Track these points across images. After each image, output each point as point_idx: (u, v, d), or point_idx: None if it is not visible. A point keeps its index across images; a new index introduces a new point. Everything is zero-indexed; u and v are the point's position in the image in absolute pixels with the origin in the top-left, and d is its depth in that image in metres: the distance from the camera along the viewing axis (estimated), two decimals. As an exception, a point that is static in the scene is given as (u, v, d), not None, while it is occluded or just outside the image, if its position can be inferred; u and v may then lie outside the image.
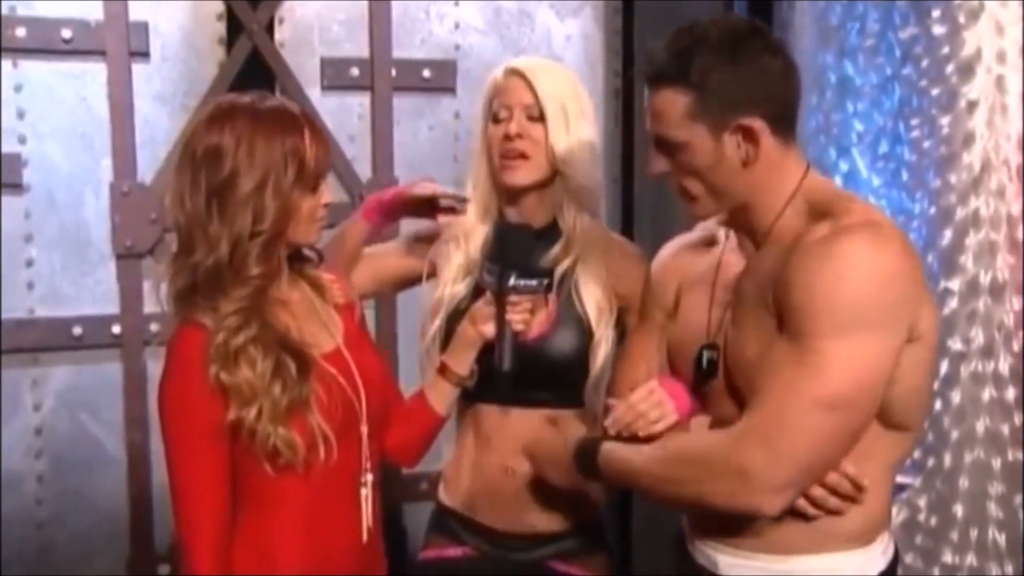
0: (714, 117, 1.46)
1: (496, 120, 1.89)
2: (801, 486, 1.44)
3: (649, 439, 1.58)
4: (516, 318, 1.73)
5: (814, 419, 1.39)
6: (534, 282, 1.73)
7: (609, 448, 1.58)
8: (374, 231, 2.05)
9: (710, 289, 1.62)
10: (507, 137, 1.86)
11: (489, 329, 1.74)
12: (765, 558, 1.53)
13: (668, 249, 1.79)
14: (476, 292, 1.88)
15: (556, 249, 1.91)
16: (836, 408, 1.39)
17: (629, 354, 1.79)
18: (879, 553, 1.55)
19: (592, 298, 1.89)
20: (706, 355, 1.57)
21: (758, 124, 1.46)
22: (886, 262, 1.41)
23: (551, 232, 1.93)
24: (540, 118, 1.87)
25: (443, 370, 1.78)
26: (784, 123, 1.51)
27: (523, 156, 1.87)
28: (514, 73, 1.89)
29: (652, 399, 1.60)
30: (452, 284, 1.93)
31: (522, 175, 1.88)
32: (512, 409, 1.91)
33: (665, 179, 1.56)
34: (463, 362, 1.78)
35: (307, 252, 1.69)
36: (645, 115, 1.55)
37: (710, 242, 1.70)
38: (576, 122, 1.89)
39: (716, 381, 1.58)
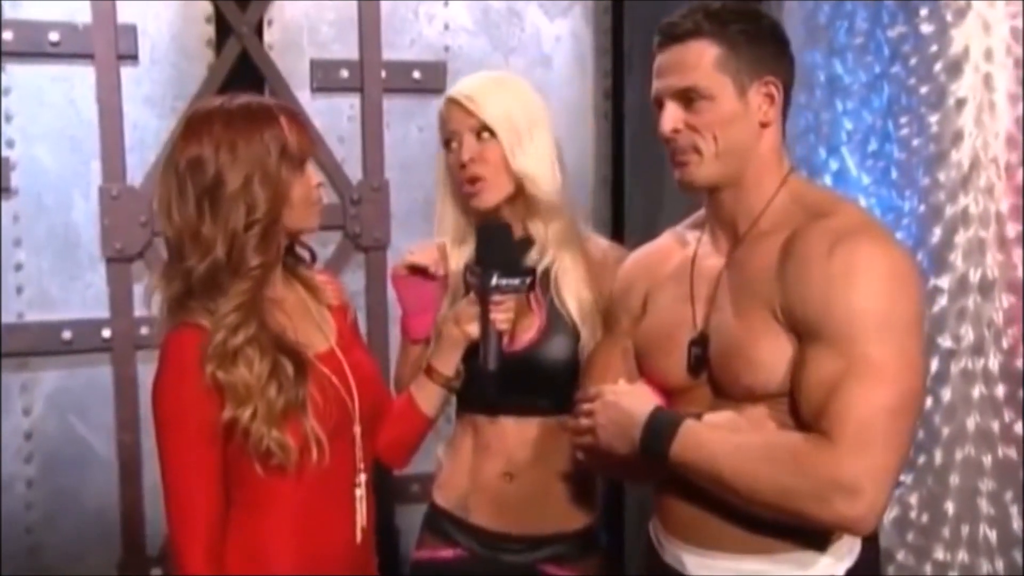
0: (742, 73, 1.52)
1: (448, 147, 1.90)
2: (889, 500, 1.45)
3: None
4: (500, 317, 1.73)
5: (896, 425, 1.40)
6: (516, 281, 1.73)
7: (691, 427, 1.49)
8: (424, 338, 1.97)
9: (688, 284, 1.62)
10: (461, 165, 1.86)
11: (473, 329, 1.75)
12: (732, 557, 1.53)
13: (633, 256, 1.80)
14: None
15: (533, 253, 1.91)
16: (909, 410, 1.43)
17: (595, 364, 1.78)
18: (846, 551, 1.55)
19: (572, 296, 1.90)
20: (694, 351, 1.58)
21: (779, 91, 1.54)
22: (903, 260, 1.47)
23: (527, 240, 1.93)
24: (492, 136, 1.86)
25: (429, 371, 1.79)
26: (785, 103, 1.57)
27: (481, 179, 1.86)
28: (451, 102, 1.88)
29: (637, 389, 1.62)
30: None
31: (488, 197, 1.87)
32: (511, 417, 1.91)
33: (666, 142, 1.57)
34: (448, 363, 1.78)
35: (301, 252, 1.70)
36: (660, 73, 1.57)
37: (681, 244, 1.70)
38: (529, 133, 1.87)
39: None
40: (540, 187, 1.87)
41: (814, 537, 1.51)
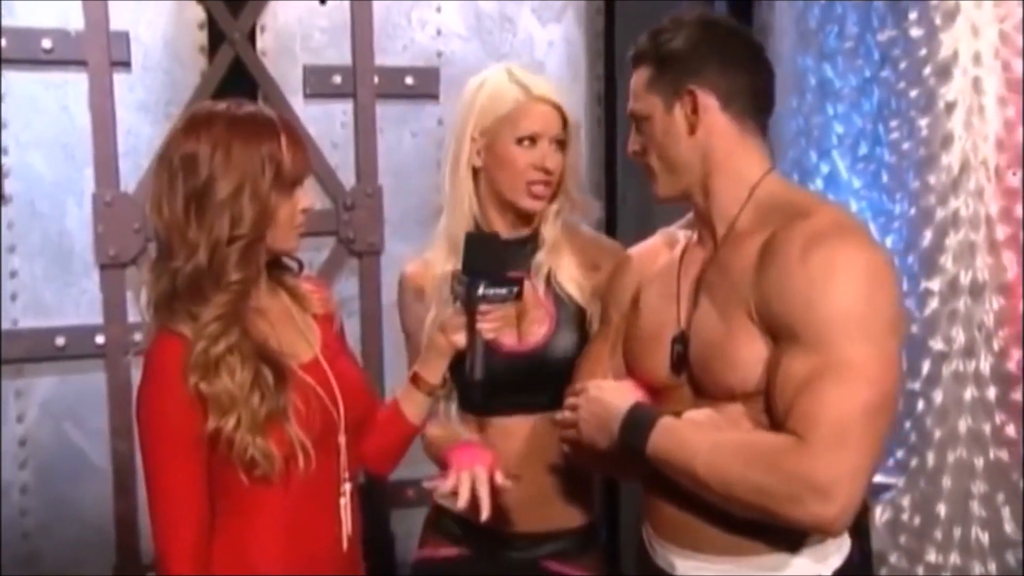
0: (668, 87, 1.56)
1: (522, 143, 1.89)
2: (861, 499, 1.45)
3: None
4: (487, 327, 1.73)
5: (871, 426, 1.41)
6: (503, 290, 1.72)
7: (669, 422, 1.51)
8: None
9: (675, 282, 1.63)
10: (543, 169, 1.88)
11: (460, 339, 1.74)
12: (721, 559, 1.54)
13: (626, 253, 1.82)
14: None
15: (541, 254, 1.93)
16: (884, 411, 1.44)
17: (585, 359, 1.80)
18: (834, 550, 1.55)
19: (571, 281, 1.92)
20: (676, 349, 1.59)
21: (704, 94, 1.55)
22: (880, 261, 1.47)
23: (532, 240, 1.95)
24: (561, 149, 1.91)
25: (415, 380, 1.78)
26: (740, 106, 1.57)
27: (550, 185, 1.91)
28: (546, 101, 1.91)
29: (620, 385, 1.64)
30: (443, 290, 1.92)
31: (543, 205, 1.92)
32: (516, 416, 1.92)
33: (639, 160, 1.63)
34: (435, 371, 1.77)
35: (287, 261, 1.69)
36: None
37: (670, 244, 1.73)
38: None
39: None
40: (580, 195, 1.98)
41: (801, 538, 1.52)
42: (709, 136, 1.56)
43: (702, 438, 1.48)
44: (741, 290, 1.50)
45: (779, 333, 1.46)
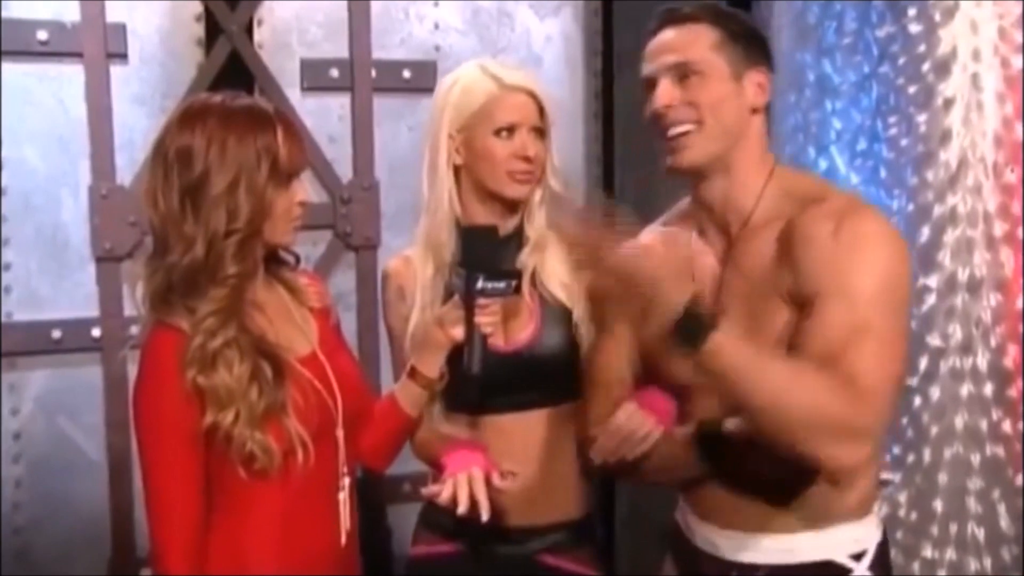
0: (738, 58, 1.58)
1: (500, 134, 1.87)
2: None
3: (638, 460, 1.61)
4: (485, 320, 1.71)
5: (895, 395, 1.50)
6: (502, 284, 1.70)
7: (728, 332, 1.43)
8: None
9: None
10: (524, 158, 1.86)
11: (458, 332, 1.73)
12: (768, 538, 1.56)
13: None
14: (448, 296, 1.87)
15: (525, 253, 1.91)
16: (901, 379, 1.53)
17: (598, 380, 1.77)
18: (875, 525, 1.60)
19: (555, 280, 1.90)
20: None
21: (769, 83, 1.60)
22: (899, 238, 1.54)
23: (518, 236, 1.93)
24: (541, 136, 1.89)
25: (413, 373, 1.77)
26: (768, 105, 1.63)
27: (533, 173, 1.88)
28: (520, 90, 1.88)
29: (633, 421, 1.62)
30: (424, 292, 1.92)
31: (529, 190, 1.90)
32: (509, 414, 1.91)
33: (658, 120, 1.58)
34: (432, 365, 1.76)
35: (283, 255, 1.68)
36: (655, 53, 1.60)
37: (668, 246, 1.70)
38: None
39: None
40: (561, 184, 1.93)
41: (845, 513, 1.56)
42: (759, 119, 1.60)
43: (762, 355, 1.46)
44: (768, 280, 1.52)
45: (815, 298, 1.47)
